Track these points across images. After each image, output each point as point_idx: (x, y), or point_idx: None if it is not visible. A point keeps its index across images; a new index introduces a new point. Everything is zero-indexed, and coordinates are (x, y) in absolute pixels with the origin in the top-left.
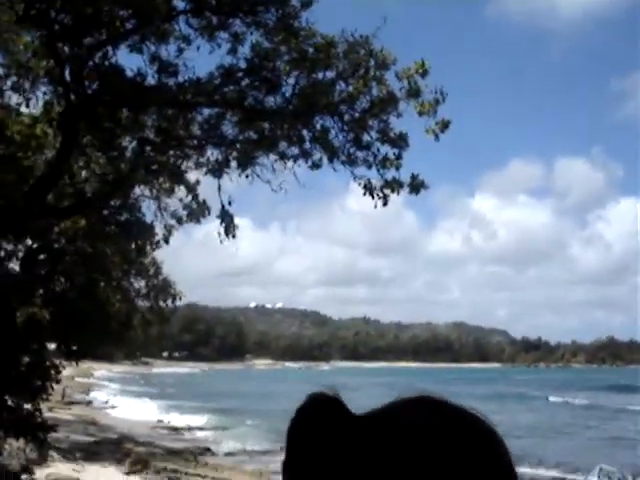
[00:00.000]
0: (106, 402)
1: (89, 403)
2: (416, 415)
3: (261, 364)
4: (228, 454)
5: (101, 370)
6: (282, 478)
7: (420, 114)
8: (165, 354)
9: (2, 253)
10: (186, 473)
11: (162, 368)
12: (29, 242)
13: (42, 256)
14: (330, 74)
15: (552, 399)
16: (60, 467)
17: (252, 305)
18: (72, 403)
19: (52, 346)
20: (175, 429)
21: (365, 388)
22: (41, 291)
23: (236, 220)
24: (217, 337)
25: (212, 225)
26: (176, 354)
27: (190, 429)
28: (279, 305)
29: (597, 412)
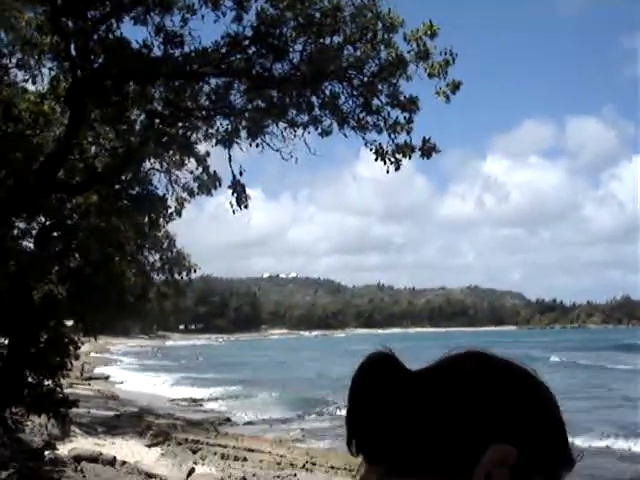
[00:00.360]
0: (123, 378)
1: (107, 378)
2: (468, 367)
3: (276, 333)
4: (248, 423)
5: (118, 345)
6: (345, 428)
7: (430, 76)
8: (181, 327)
9: (16, 231)
10: (207, 443)
11: (179, 341)
12: (42, 220)
13: (55, 233)
14: (337, 39)
15: (553, 359)
16: (82, 442)
17: (266, 275)
18: (91, 379)
19: (69, 323)
20: (194, 401)
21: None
22: (56, 268)
23: (247, 191)
24: (232, 308)
25: (223, 197)
26: (192, 327)
27: (209, 400)
28: (293, 275)
29: (596, 372)
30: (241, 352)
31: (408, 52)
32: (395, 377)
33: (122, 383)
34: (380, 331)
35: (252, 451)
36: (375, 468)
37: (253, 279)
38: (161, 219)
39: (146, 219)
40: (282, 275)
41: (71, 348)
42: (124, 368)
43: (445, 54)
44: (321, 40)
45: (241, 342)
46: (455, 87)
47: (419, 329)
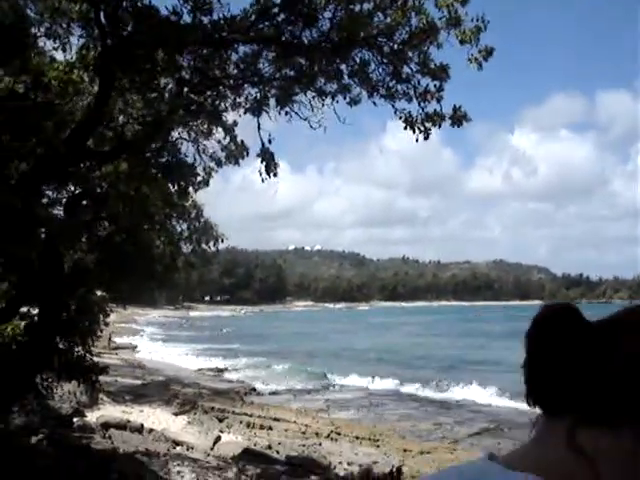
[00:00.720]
0: (149, 348)
1: (134, 348)
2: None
3: (301, 305)
4: (273, 393)
5: (145, 315)
6: (524, 375)
7: (462, 43)
8: (207, 298)
9: (45, 200)
10: (233, 412)
11: (204, 312)
12: (71, 188)
13: (85, 202)
14: (368, 6)
15: None
16: (110, 409)
17: (291, 248)
18: (118, 348)
19: (99, 292)
20: (219, 371)
21: (398, 326)
22: (85, 236)
23: (277, 168)
24: (257, 280)
25: (249, 169)
26: (217, 298)
27: (234, 370)
28: (317, 247)
29: None
30: (265, 324)
31: (439, 19)
32: (575, 328)
33: (149, 353)
34: (404, 304)
35: (277, 420)
36: (559, 420)
37: (278, 251)
38: (190, 187)
39: (175, 187)
40: (307, 247)
41: (101, 316)
42: (150, 338)
43: (477, 20)
44: (351, 7)
45: (265, 313)
46: (488, 53)
47: (444, 302)
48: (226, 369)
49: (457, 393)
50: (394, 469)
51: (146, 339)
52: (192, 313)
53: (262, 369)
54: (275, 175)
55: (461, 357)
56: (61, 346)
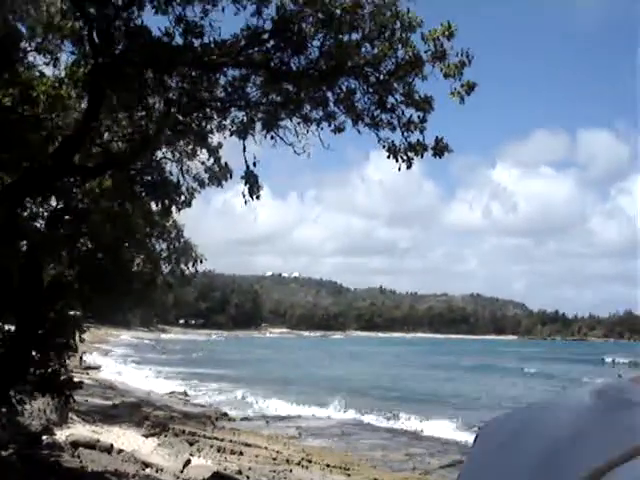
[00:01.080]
0: (120, 369)
1: (102, 368)
2: None
3: (275, 332)
4: (244, 419)
5: (118, 336)
6: None
7: (445, 76)
8: (181, 321)
9: (28, 213)
10: (204, 436)
11: (178, 335)
12: (54, 203)
13: (67, 216)
14: (356, 36)
15: (526, 370)
16: (80, 429)
17: (268, 274)
18: (89, 368)
19: (75, 312)
20: (189, 395)
21: (370, 356)
22: (66, 251)
23: (260, 191)
24: (233, 305)
25: (230, 193)
26: (192, 321)
27: (206, 394)
28: (295, 274)
29: (551, 381)
30: (238, 349)
31: (425, 52)
32: None
33: (120, 374)
34: (380, 334)
35: (248, 446)
36: None
37: (255, 277)
38: (173, 206)
39: (159, 205)
40: (285, 274)
41: (76, 331)
42: (122, 359)
43: (461, 55)
44: (339, 36)
45: (238, 339)
46: (470, 88)
47: (419, 334)
48: (197, 393)
49: (422, 425)
50: None
51: (118, 360)
52: (165, 336)
53: (233, 394)
54: (258, 198)
55: (430, 389)
56: (36, 359)
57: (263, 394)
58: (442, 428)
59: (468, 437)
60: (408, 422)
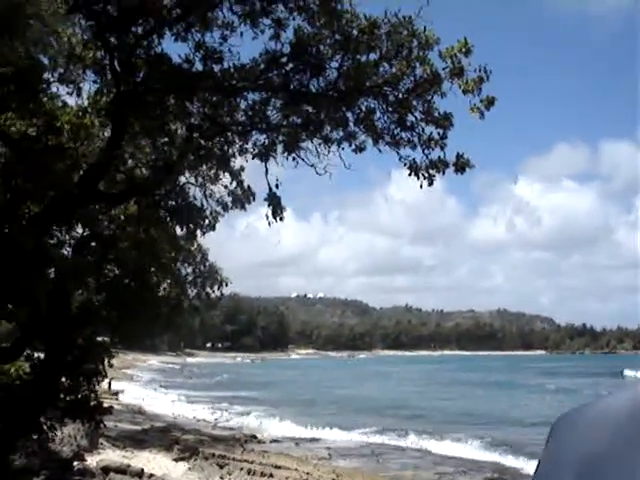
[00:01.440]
0: (149, 394)
1: (130, 394)
2: None
3: (302, 353)
4: (274, 441)
5: (146, 361)
6: None
7: (464, 92)
8: (208, 345)
9: (55, 240)
10: (234, 459)
11: (206, 359)
12: (80, 230)
13: (93, 243)
14: (374, 56)
15: (549, 386)
16: (110, 454)
17: (293, 295)
18: (117, 393)
19: (103, 338)
20: (219, 418)
21: (390, 375)
22: (93, 278)
23: (284, 212)
24: (259, 327)
25: (253, 216)
26: (219, 345)
27: (235, 417)
28: (320, 295)
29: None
30: (265, 371)
31: (443, 69)
32: None
33: (148, 399)
34: (407, 353)
35: (278, 468)
36: None
37: (281, 298)
38: (198, 230)
39: (184, 230)
40: (310, 295)
41: (105, 357)
42: (150, 384)
43: (479, 71)
44: (357, 57)
45: (265, 361)
46: (489, 103)
47: (447, 352)
48: (227, 417)
49: (450, 445)
50: None
51: (146, 385)
52: (192, 360)
53: (263, 417)
54: (282, 219)
55: (451, 408)
56: (66, 385)
57: (289, 416)
58: (468, 448)
59: (493, 456)
60: (435, 442)
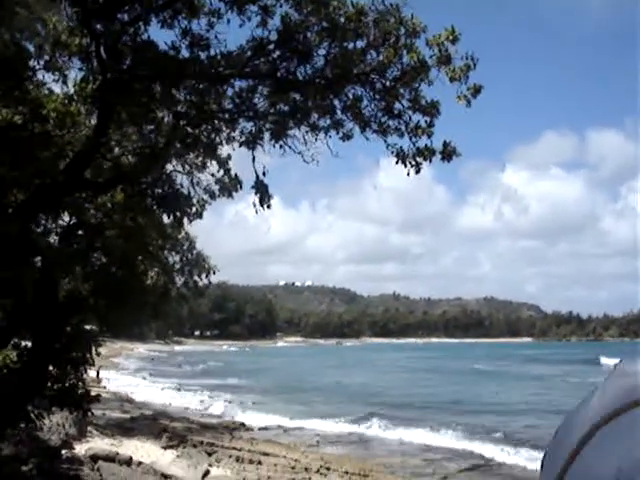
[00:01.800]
0: (138, 381)
1: (119, 382)
2: None
3: (291, 341)
4: (262, 429)
5: (134, 349)
6: None
7: (451, 80)
8: (196, 333)
9: (41, 229)
10: (222, 446)
11: (194, 346)
12: (66, 218)
13: (80, 231)
14: (361, 43)
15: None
16: (99, 442)
17: (282, 283)
18: (105, 381)
19: (91, 327)
20: (209, 405)
21: (372, 362)
22: (80, 266)
23: (271, 200)
24: (247, 315)
25: (242, 205)
26: (207, 333)
27: (224, 405)
28: (308, 283)
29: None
30: (251, 359)
31: (430, 57)
32: None
33: (136, 387)
34: (395, 340)
35: (267, 455)
36: None
37: (269, 286)
38: (185, 218)
39: (171, 218)
40: (298, 283)
41: (93, 345)
42: (139, 372)
43: (466, 59)
44: (345, 44)
45: (253, 349)
46: (476, 91)
47: (434, 339)
48: (215, 404)
49: (431, 434)
50: None
51: (134, 373)
52: (180, 348)
53: (252, 404)
54: (269, 207)
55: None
56: (53, 374)
57: (275, 404)
58: (451, 435)
59: (470, 445)
60: (415, 431)
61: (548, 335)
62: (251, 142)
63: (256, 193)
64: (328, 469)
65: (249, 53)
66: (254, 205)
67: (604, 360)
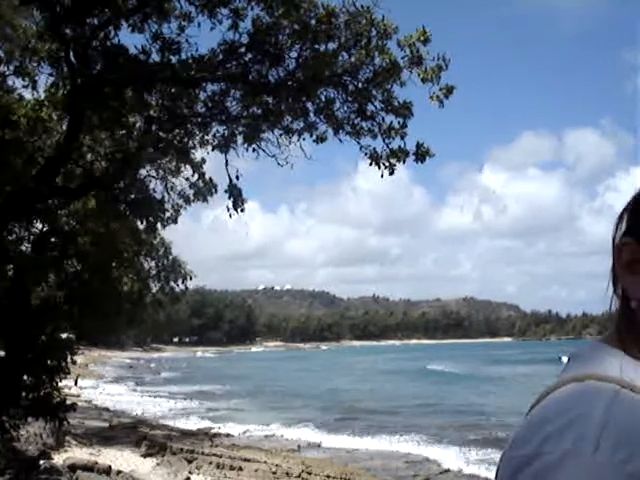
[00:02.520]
0: (116, 390)
1: (96, 391)
2: None
3: (270, 345)
4: (243, 434)
5: (113, 357)
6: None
7: (423, 81)
8: (175, 339)
9: (14, 236)
10: (202, 453)
11: (174, 353)
12: (39, 225)
13: (53, 238)
14: (332, 45)
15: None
16: (77, 452)
17: (261, 288)
18: (81, 390)
19: (67, 335)
20: (189, 413)
21: (346, 366)
22: (53, 273)
23: (245, 204)
24: (226, 321)
25: (220, 209)
26: (186, 339)
27: (204, 411)
28: (288, 287)
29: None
30: (228, 365)
31: (402, 58)
32: None
33: (114, 395)
34: (375, 343)
35: (248, 461)
36: None
37: (248, 291)
38: (158, 223)
39: (144, 223)
40: (277, 287)
41: (68, 352)
42: (117, 380)
43: (438, 59)
44: (316, 46)
45: (231, 354)
46: (448, 91)
47: (413, 341)
48: (196, 411)
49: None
50: None
51: (112, 381)
52: (158, 355)
53: (232, 410)
54: (242, 211)
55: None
56: (28, 383)
57: (255, 410)
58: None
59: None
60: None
61: (527, 334)
62: (224, 145)
63: (230, 197)
64: (309, 474)
65: (221, 56)
66: (228, 209)
67: (565, 358)
